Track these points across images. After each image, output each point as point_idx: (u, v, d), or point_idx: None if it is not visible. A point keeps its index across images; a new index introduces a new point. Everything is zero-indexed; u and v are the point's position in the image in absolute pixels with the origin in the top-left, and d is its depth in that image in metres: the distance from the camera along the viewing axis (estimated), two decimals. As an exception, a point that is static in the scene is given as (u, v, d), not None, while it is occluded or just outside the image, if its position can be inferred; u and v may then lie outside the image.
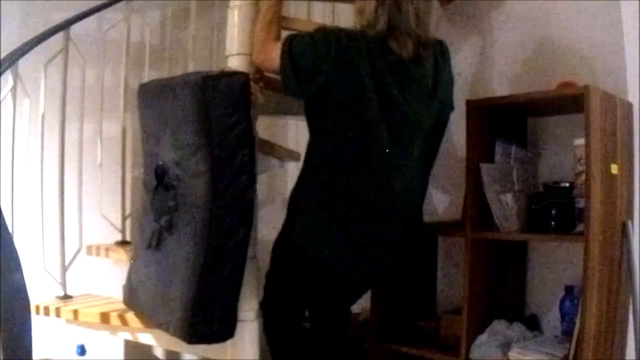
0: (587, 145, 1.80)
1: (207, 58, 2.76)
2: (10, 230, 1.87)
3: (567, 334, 1.97)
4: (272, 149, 2.05)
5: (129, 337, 2.25)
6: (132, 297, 2.09)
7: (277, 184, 2.99)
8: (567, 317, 2.04)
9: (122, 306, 2.18)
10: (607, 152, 1.88)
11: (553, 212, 1.97)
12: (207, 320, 1.72)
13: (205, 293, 1.71)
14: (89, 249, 2.54)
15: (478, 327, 2.07)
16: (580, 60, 2.14)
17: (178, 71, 2.66)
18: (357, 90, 1.71)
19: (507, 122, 2.19)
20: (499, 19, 2.41)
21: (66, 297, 2.36)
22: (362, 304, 2.43)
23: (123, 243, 2.59)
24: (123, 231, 2.63)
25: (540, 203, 2.02)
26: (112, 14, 2.60)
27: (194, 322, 1.72)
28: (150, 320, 1.98)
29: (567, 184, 1.99)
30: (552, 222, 1.97)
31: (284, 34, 1.84)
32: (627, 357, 1.96)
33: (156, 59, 2.76)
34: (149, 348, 2.80)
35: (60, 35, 2.32)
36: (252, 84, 1.75)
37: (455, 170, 2.36)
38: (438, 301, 2.52)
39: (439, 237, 2.52)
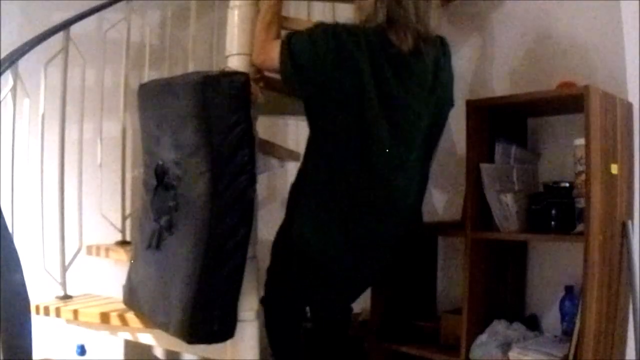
0: (587, 145, 1.80)
1: (207, 58, 2.76)
2: (10, 230, 1.87)
3: (567, 334, 1.97)
4: (272, 149, 2.05)
5: (129, 337, 2.25)
6: (132, 297, 2.09)
7: (277, 184, 2.99)
8: (567, 317, 2.04)
9: (122, 306, 2.18)
10: (607, 152, 1.88)
11: (553, 212, 1.97)
12: (207, 320, 1.72)
13: (205, 293, 1.71)
14: (89, 249, 2.54)
15: (478, 327, 2.07)
16: (580, 60, 2.14)
17: (178, 71, 2.65)
18: (357, 87, 1.70)
19: (507, 122, 2.19)
20: (499, 19, 2.41)
21: (66, 297, 2.36)
22: (362, 304, 2.43)
23: (123, 243, 2.59)
24: (123, 231, 2.63)
25: (540, 203, 2.02)
26: (112, 14, 2.59)
27: (194, 322, 1.72)
28: (150, 320, 1.98)
29: (567, 184, 1.99)
30: (552, 222, 1.97)
31: (284, 34, 1.84)
32: (627, 357, 1.96)
33: (156, 59, 2.75)
34: (149, 348, 2.79)
35: (60, 35, 2.32)
36: (252, 84, 1.76)
37: (455, 170, 2.36)
38: (438, 301, 2.52)
39: (439, 237, 2.53)
